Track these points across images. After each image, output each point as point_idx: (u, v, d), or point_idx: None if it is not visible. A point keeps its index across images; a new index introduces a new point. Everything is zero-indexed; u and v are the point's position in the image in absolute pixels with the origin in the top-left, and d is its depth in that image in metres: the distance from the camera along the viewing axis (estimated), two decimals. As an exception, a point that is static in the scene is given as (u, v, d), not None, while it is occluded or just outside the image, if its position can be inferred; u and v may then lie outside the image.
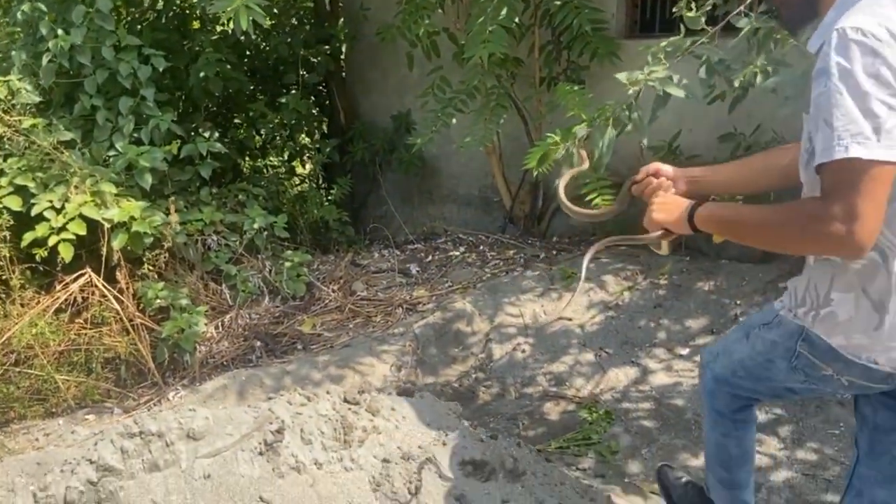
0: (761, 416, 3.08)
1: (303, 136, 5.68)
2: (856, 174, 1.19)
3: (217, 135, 4.68)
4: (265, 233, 4.27)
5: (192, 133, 4.57)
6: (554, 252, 4.55)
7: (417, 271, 4.53)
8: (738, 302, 3.70)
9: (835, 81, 1.20)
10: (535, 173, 3.01)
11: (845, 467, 2.32)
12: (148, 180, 3.87)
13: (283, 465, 1.77)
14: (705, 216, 1.49)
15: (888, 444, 1.56)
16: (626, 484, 2.75)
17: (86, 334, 3.53)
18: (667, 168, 1.69)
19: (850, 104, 1.18)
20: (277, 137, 5.47)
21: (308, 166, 5.99)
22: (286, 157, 5.89)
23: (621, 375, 3.40)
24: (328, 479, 1.80)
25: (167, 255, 3.69)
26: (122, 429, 1.69)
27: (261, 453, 1.77)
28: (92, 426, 3.28)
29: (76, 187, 3.65)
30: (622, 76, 2.54)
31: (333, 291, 4.29)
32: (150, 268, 3.62)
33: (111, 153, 3.97)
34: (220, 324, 3.86)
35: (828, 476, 2.61)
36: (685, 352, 3.51)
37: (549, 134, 2.99)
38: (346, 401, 2.02)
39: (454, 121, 4.33)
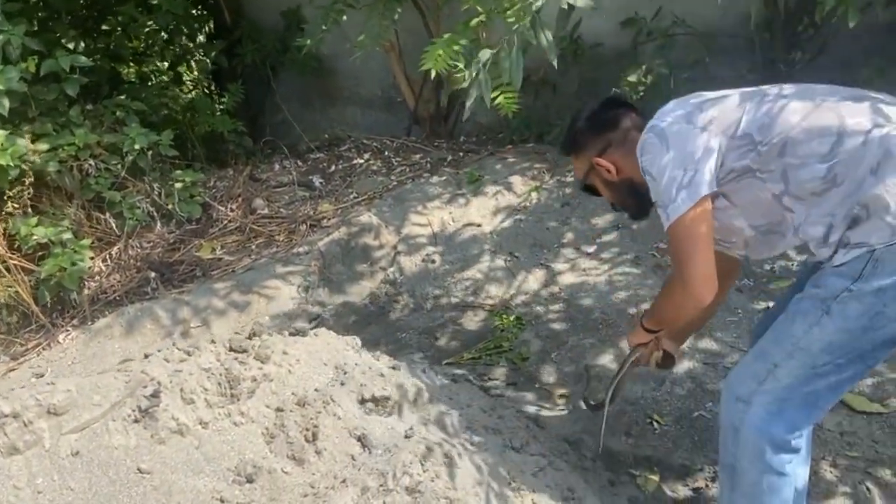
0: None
1: (184, 39, 5.16)
2: (677, 240, 1.58)
3: (84, 45, 4.19)
4: (150, 152, 3.92)
5: (56, 45, 4.07)
6: (461, 154, 4.39)
7: (321, 183, 4.30)
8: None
9: (649, 178, 1.63)
10: (432, 74, 2.86)
11: (743, 354, 2.35)
12: (5, 104, 3.43)
13: (163, 429, 1.64)
14: (647, 323, 1.98)
15: None
16: (537, 390, 2.77)
17: (-45, 281, 3.22)
18: (640, 337, 2.06)
19: (661, 184, 1.58)
20: (154, 44, 4.96)
21: (195, 72, 5.51)
22: (168, 65, 5.36)
23: (531, 279, 3.37)
24: (216, 438, 1.69)
25: (31, 189, 3.33)
26: (-31, 415, 1.52)
27: (136, 420, 1.63)
28: (-23, 378, 3.06)
29: (-80, 119, 3.22)
30: None
31: (232, 211, 4.05)
32: (15, 205, 3.27)
33: (-42, 77, 3.49)
34: (107, 256, 3.59)
35: (727, 363, 2.67)
36: (591, 249, 3.49)
37: (446, 34, 2.80)
38: (231, 350, 1.89)
39: (345, 17, 4.00)
